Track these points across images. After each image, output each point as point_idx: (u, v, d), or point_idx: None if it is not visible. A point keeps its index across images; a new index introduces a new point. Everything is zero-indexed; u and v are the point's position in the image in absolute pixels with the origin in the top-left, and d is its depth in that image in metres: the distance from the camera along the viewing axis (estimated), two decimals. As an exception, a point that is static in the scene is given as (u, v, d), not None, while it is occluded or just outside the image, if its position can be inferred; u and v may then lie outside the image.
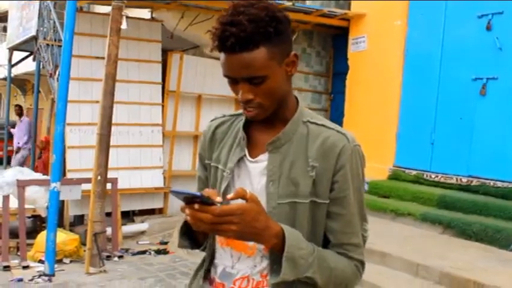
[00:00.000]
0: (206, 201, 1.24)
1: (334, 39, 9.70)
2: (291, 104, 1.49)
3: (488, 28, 6.54)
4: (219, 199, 1.26)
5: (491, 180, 6.31)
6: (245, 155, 1.50)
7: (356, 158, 1.44)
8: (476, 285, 4.34)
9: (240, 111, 1.55)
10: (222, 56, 1.37)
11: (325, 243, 1.46)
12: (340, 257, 1.44)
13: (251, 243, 1.42)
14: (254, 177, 1.47)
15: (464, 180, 6.58)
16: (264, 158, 1.47)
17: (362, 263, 1.48)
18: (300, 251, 1.34)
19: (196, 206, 1.23)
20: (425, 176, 7.07)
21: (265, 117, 1.45)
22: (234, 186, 1.48)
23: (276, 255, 1.36)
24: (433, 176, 6.98)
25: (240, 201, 1.29)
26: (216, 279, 1.52)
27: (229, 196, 1.28)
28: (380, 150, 7.85)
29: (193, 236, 1.54)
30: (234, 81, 1.41)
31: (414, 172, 7.25)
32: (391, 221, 6.48)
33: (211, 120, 1.65)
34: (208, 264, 1.57)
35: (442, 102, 7.13)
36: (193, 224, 1.28)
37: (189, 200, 1.25)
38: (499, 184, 6.19)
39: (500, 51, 6.40)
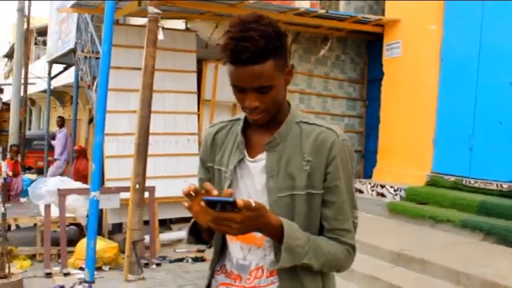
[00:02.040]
0: (229, 206, 1.38)
1: (369, 46, 9.64)
2: (285, 108, 1.66)
3: (528, 30, 6.41)
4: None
5: (533, 185, 6.16)
6: (245, 156, 1.65)
7: (345, 151, 1.61)
8: (520, 294, 4.24)
9: (237, 116, 1.75)
10: (231, 68, 1.54)
11: (321, 230, 1.61)
12: (333, 242, 1.59)
13: (259, 235, 1.56)
14: (255, 175, 1.63)
15: (505, 186, 6.43)
16: (262, 157, 1.63)
17: (353, 247, 1.62)
18: (296, 241, 1.50)
19: (202, 203, 1.41)
20: (464, 182, 6.94)
21: (267, 121, 1.60)
22: (238, 186, 1.65)
23: (277, 246, 1.53)
24: (472, 182, 6.84)
25: (254, 195, 1.56)
26: (233, 271, 1.67)
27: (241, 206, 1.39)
28: (417, 156, 7.75)
29: (199, 235, 1.72)
30: (241, 90, 1.56)
31: (453, 178, 7.12)
32: (430, 228, 6.38)
33: (210, 127, 1.81)
34: (220, 257, 1.73)
35: (480, 107, 7.00)
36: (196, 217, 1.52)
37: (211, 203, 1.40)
38: (542, 190, 6.03)
39: (540, 53, 6.26)
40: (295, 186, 1.57)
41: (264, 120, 1.59)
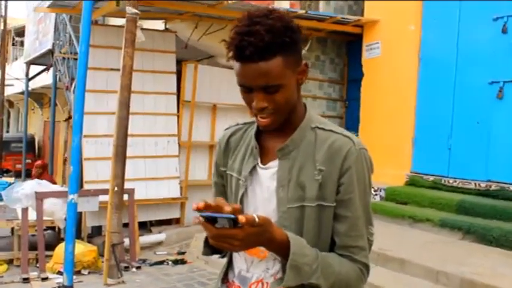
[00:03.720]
0: (231, 222, 1.27)
1: (348, 46, 9.68)
2: (299, 111, 1.54)
3: (504, 31, 6.48)
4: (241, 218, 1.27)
5: (511, 184, 6.22)
6: (257, 163, 1.55)
7: (362, 161, 1.49)
8: (498, 292, 4.28)
9: (254, 119, 1.58)
10: (237, 65, 1.42)
11: (332, 245, 1.50)
12: (344, 260, 1.47)
13: (263, 247, 1.43)
14: (264, 183, 1.53)
15: (483, 185, 6.50)
16: (274, 164, 1.52)
17: (366, 266, 1.50)
18: (304, 258, 1.38)
19: (199, 219, 1.29)
20: (443, 181, 7.00)
21: (277, 126, 1.49)
22: (247, 193, 1.55)
23: (284, 262, 1.41)
24: (451, 182, 6.90)
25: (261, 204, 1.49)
26: (234, 281, 1.59)
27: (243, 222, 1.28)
28: (396, 156, 7.80)
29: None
30: (248, 90, 1.45)
31: (432, 178, 7.17)
32: (410, 228, 6.42)
33: (226, 129, 1.70)
34: (227, 267, 1.64)
35: (458, 107, 7.06)
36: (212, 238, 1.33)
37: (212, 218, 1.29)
38: (519, 188, 6.11)
39: (517, 54, 6.34)
40: (305, 197, 1.46)
41: (274, 125, 1.48)
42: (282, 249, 1.38)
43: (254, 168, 1.55)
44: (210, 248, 1.59)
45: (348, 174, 1.46)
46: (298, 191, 1.47)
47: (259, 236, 1.31)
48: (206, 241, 1.58)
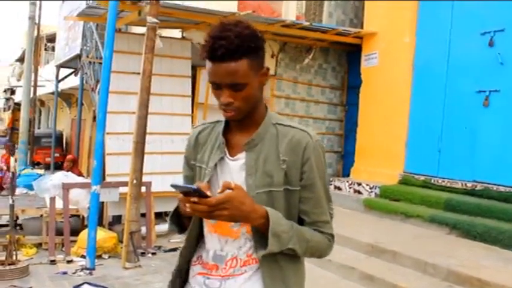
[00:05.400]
0: (201, 194, 1.39)
1: (348, 56, 9.64)
2: (261, 109, 1.62)
3: (491, 44, 6.44)
4: (209, 193, 1.41)
5: (494, 184, 6.18)
6: (225, 155, 1.62)
7: (318, 150, 1.58)
8: (481, 283, 4.25)
9: (218, 118, 1.69)
10: (209, 64, 1.50)
11: (300, 224, 1.59)
12: (314, 232, 1.58)
13: (235, 228, 1.56)
14: (234, 172, 1.60)
15: (469, 185, 6.46)
16: (242, 156, 1.60)
17: (332, 236, 1.63)
18: (281, 227, 1.49)
19: (195, 199, 1.39)
20: (432, 181, 6.96)
21: (240, 118, 1.56)
22: (218, 181, 1.61)
23: (259, 235, 1.52)
24: (440, 181, 6.86)
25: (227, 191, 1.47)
26: (209, 262, 1.63)
27: (218, 190, 1.45)
28: (391, 157, 7.76)
29: (180, 222, 1.70)
30: (217, 87, 1.52)
31: (422, 177, 7.13)
32: (402, 223, 6.39)
33: (194, 128, 1.78)
34: (196, 249, 1.69)
35: (448, 113, 7.02)
36: (192, 212, 1.43)
37: (187, 193, 1.41)
38: (502, 188, 6.06)
39: (502, 65, 6.30)
40: (273, 183, 1.54)
41: (236, 118, 1.55)
42: (262, 219, 1.47)
43: (223, 159, 1.62)
44: (176, 226, 1.70)
45: (309, 163, 1.55)
46: (266, 179, 1.55)
47: (243, 201, 1.42)
48: (171, 219, 1.69)
